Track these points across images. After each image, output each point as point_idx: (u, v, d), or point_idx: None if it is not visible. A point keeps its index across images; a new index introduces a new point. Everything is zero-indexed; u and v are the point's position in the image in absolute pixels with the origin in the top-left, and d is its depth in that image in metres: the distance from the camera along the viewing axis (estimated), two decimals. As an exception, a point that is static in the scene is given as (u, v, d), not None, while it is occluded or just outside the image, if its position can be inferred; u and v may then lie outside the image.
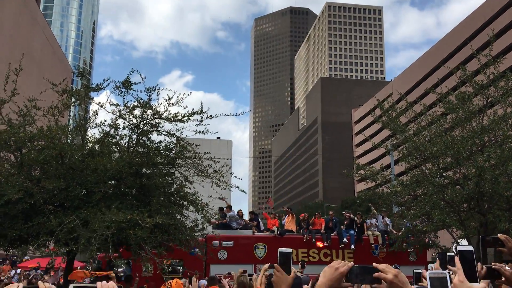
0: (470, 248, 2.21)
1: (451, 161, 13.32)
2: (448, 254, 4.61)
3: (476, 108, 13.85)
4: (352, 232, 17.23)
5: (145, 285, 13.16)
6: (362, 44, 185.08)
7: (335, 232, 17.37)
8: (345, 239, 16.94)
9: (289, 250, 2.62)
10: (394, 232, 17.28)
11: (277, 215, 19.36)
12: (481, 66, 14.47)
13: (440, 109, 15.33)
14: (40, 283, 2.25)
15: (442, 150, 12.83)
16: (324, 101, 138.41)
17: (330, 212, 18.87)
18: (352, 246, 16.90)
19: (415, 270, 4.58)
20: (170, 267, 13.86)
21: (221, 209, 18.65)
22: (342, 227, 17.53)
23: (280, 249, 2.61)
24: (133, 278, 10.07)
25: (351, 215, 18.00)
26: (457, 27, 71.32)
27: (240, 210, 18.33)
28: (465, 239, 14.01)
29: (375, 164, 57.95)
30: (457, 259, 2.14)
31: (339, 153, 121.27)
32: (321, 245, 16.90)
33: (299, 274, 9.15)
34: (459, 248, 2.20)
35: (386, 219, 17.87)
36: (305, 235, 17.09)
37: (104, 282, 2.21)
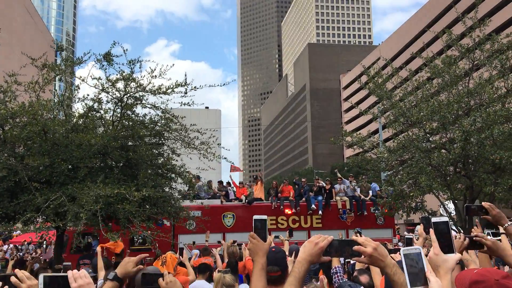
0: (445, 219, 2.21)
1: (437, 126, 13.39)
2: (432, 218, 4.68)
3: (462, 71, 13.84)
4: (320, 198, 17.48)
5: (113, 256, 13.03)
6: (349, 8, 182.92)
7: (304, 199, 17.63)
8: (313, 206, 17.19)
9: (264, 217, 2.59)
10: (362, 196, 17.71)
11: (246, 184, 19.41)
12: (467, 29, 14.39)
13: (426, 74, 15.31)
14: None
15: (428, 115, 12.88)
16: (312, 68, 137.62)
17: (303, 180, 18.96)
18: (320, 212, 17.17)
19: (406, 236, 4.65)
20: (141, 239, 13.90)
21: (220, 182, 18.70)
22: (311, 193, 17.71)
23: (255, 216, 2.57)
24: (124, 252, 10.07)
25: (320, 182, 18.20)
26: (444, -11, 70.49)
27: (210, 180, 18.43)
28: (451, 201, 14.24)
29: (363, 129, 58.33)
30: (432, 231, 2.14)
31: (328, 120, 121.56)
32: (289, 212, 17.16)
33: (286, 242, 9.26)
34: (433, 220, 2.20)
35: (354, 183, 18.15)
36: (273, 203, 17.32)
37: (75, 271, 2.18)
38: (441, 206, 14.80)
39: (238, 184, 18.74)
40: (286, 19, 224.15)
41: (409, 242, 4.50)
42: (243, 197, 17.31)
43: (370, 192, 18.17)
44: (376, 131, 24.78)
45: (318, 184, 17.98)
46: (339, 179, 18.53)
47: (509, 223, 2.89)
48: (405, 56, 69.36)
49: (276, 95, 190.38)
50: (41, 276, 2.19)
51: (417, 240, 4.50)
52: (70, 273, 2.15)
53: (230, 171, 18.83)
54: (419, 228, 4.71)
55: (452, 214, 14.20)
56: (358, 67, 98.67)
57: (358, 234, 12.96)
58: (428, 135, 13.86)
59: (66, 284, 2.14)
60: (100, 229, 8.36)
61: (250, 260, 7.07)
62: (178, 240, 15.17)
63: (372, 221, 17.31)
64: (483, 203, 2.95)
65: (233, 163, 14.66)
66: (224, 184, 18.77)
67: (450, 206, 14.52)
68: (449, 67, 13.79)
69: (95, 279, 5.03)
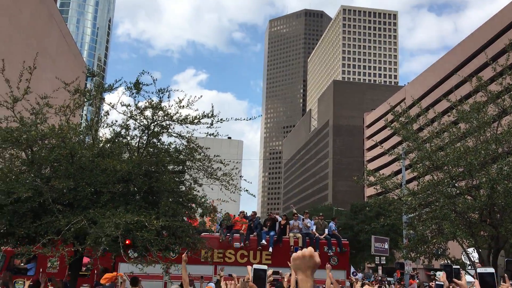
0: (491, 270, 2.15)
1: (463, 172, 13.16)
2: (454, 267, 4.53)
3: (490, 118, 13.67)
4: (272, 233, 16.90)
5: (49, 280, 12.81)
6: (376, 48, 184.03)
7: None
8: (263, 241, 16.56)
9: (264, 267, 2.55)
10: (317, 234, 17.02)
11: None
12: (496, 74, 14.28)
13: (452, 117, 15.16)
14: None
15: (454, 161, 12.68)
16: (336, 104, 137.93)
17: (252, 212, 18.29)
18: (270, 249, 16.53)
19: (437, 283, 4.50)
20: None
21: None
22: (264, 228, 17.14)
23: (255, 266, 2.53)
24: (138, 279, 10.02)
25: (276, 216, 17.74)
26: (473, 34, 70.55)
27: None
28: (475, 250, 13.82)
29: (386, 169, 57.56)
30: (476, 282, 2.09)
31: (349, 157, 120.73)
32: (238, 246, 16.51)
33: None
34: (479, 270, 2.15)
35: (307, 221, 17.57)
36: (222, 235, 16.72)
37: None
38: (464, 253, 14.38)
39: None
40: (313, 55, 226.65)
41: (457, 272, 4.43)
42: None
43: (326, 230, 17.62)
44: (398, 172, 24.48)
45: (271, 218, 17.48)
46: (294, 215, 17.91)
47: None
48: (430, 98, 69.06)
49: (298, 129, 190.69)
50: None
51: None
52: None
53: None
54: (442, 276, 4.56)
55: (475, 263, 13.76)
56: (382, 106, 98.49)
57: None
58: (453, 180, 13.61)
59: None
60: (121, 255, 8.35)
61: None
62: (119, 269, 14.64)
63: (325, 261, 16.73)
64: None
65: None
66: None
67: (474, 255, 14.09)
68: (477, 113, 13.64)
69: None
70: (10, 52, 45.81)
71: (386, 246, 33.88)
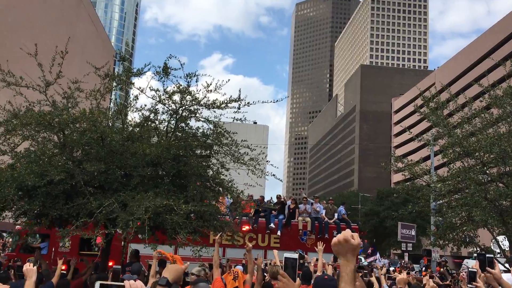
0: None
1: (495, 158, 12.85)
2: (487, 256, 4.45)
3: (525, 103, 13.26)
4: (281, 217, 16.77)
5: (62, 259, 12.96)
6: (405, 32, 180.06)
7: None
8: (271, 224, 16.46)
9: (295, 255, 2.54)
10: (326, 219, 16.85)
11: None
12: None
13: (484, 102, 14.75)
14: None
15: (487, 147, 12.38)
16: (363, 89, 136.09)
17: (260, 197, 18.12)
18: (279, 232, 16.43)
19: (469, 269, 4.45)
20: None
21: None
22: (273, 211, 16.99)
23: (286, 254, 2.53)
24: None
25: (284, 199, 17.57)
26: (507, 16, 68.20)
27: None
28: (505, 238, 13.55)
29: (414, 155, 56.76)
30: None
31: (376, 143, 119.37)
32: (245, 229, 16.36)
33: (330, 267, 9.07)
34: None
35: (317, 205, 17.40)
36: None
37: (132, 281, 2.19)
38: (494, 241, 14.11)
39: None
40: (340, 39, 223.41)
41: (472, 276, 4.37)
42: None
43: (336, 215, 17.47)
44: (426, 158, 24.06)
45: (280, 201, 17.37)
46: (304, 199, 17.81)
47: None
48: (461, 83, 67.37)
49: (324, 114, 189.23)
50: (97, 284, 2.23)
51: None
52: (127, 284, 2.16)
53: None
54: (474, 264, 4.49)
55: (506, 251, 13.52)
56: (411, 91, 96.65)
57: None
58: (485, 167, 13.31)
59: None
60: (145, 238, 8.49)
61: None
62: (129, 249, 14.86)
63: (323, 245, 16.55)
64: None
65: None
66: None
67: (505, 243, 13.81)
68: (511, 98, 13.25)
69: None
70: (41, 37, 46.72)
71: (413, 233, 33.56)
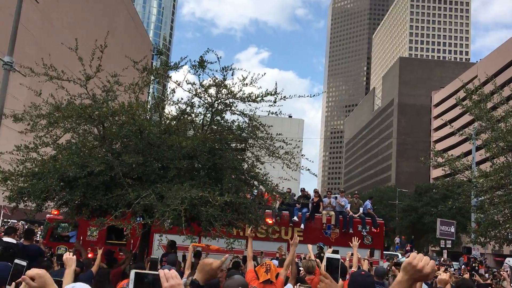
0: None
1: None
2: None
3: None
4: (304, 210, 16.55)
5: (89, 248, 13.08)
6: (446, 23, 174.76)
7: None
8: (295, 218, 16.25)
9: (337, 256, 2.49)
10: (351, 213, 16.53)
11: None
12: None
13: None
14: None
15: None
16: (402, 82, 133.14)
17: (287, 189, 18.00)
18: (302, 225, 16.23)
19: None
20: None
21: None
22: (297, 205, 16.77)
23: (328, 254, 2.48)
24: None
25: (308, 193, 17.29)
26: (556, 5, 65.03)
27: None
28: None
29: (455, 150, 55.19)
30: None
31: (415, 137, 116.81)
32: (270, 222, 16.23)
33: (366, 261, 8.93)
34: None
35: (342, 199, 17.08)
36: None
37: (166, 270, 2.19)
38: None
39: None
40: (378, 31, 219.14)
41: None
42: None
43: (361, 209, 17.10)
44: (468, 153, 23.33)
45: (304, 194, 17.14)
46: (328, 193, 17.64)
47: None
48: (505, 75, 64.94)
49: (361, 108, 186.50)
50: (132, 272, 2.25)
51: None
52: (162, 272, 2.16)
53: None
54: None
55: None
56: (452, 84, 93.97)
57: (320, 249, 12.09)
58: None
59: (157, 282, 2.16)
60: (182, 229, 8.61)
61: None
62: (154, 239, 15.00)
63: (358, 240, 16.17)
64: None
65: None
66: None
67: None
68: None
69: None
70: (82, 33, 47.96)
71: (453, 230, 32.69)
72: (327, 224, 16.58)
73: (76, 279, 4.25)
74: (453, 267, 24.50)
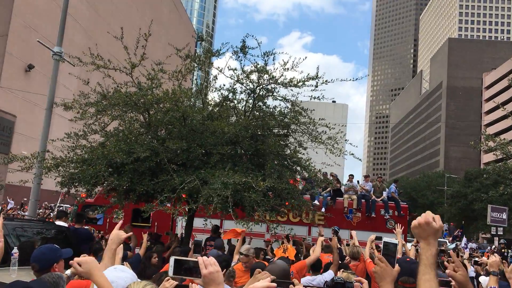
0: None
1: None
2: None
3: None
4: (326, 194, 16.13)
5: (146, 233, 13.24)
6: (498, 1, 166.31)
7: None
8: (316, 201, 15.76)
9: (395, 241, 2.45)
10: (373, 197, 16.05)
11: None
12: None
13: None
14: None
15: None
16: (451, 64, 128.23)
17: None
18: (323, 209, 15.82)
19: None
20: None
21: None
22: (319, 189, 16.19)
23: (385, 239, 2.44)
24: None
25: (329, 176, 16.83)
26: None
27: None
28: None
29: (508, 133, 52.87)
30: None
31: (464, 121, 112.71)
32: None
33: (412, 248, 8.77)
34: None
35: (368, 184, 16.62)
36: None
37: (205, 257, 2.22)
38: None
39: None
40: (426, 12, 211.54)
41: None
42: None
43: (384, 193, 16.51)
44: (522, 137, 22.31)
45: (325, 178, 16.80)
46: (350, 177, 17.11)
47: None
48: None
49: (408, 92, 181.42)
50: (172, 259, 2.30)
51: None
52: (200, 260, 2.18)
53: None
54: None
55: None
56: (505, 65, 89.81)
57: (334, 234, 11.71)
58: None
59: (196, 269, 2.20)
60: (230, 214, 8.74)
61: (371, 263, 6.87)
62: (176, 224, 15.04)
63: (381, 224, 15.55)
64: None
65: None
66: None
67: None
68: None
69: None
70: (128, 22, 49.03)
71: (504, 217, 31.44)
72: (349, 208, 16.37)
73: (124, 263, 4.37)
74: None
